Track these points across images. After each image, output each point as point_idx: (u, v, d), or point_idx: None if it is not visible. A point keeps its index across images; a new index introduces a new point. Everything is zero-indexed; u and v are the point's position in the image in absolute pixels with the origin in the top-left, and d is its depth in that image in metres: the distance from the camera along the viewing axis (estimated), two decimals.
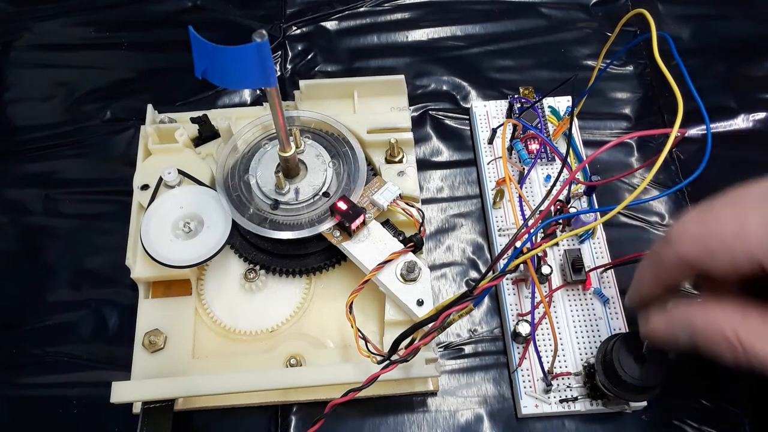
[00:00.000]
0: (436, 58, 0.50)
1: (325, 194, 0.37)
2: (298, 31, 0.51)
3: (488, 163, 0.43)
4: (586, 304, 0.38)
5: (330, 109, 0.42)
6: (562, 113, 0.44)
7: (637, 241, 0.41)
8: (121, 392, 0.33)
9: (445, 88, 0.48)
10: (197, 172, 0.39)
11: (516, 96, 0.44)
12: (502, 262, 0.31)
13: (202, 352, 0.37)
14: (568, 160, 0.37)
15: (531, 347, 0.36)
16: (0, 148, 0.46)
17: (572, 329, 0.37)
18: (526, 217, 0.34)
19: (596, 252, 0.40)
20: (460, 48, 0.50)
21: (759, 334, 0.25)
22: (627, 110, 0.47)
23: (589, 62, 0.49)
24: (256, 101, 0.48)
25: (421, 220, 0.37)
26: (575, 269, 0.38)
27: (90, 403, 0.37)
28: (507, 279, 0.39)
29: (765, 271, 0.25)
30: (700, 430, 0.36)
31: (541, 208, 0.30)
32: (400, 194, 0.38)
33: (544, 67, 0.49)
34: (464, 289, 0.39)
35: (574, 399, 0.35)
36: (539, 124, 0.43)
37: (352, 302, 0.33)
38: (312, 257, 0.38)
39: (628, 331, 0.37)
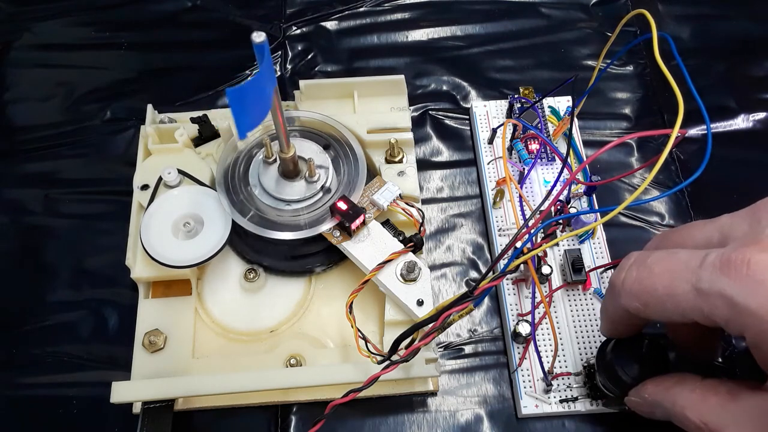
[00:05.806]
0: (436, 58, 0.49)
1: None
2: (298, 31, 0.51)
3: (488, 163, 0.43)
4: (586, 305, 0.38)
5: (330, 109, 0.41)
6: (562, 113, 0.44)
7: (637, 241, 0.41)
8: (121, 392, 0.33)
9: (445, 88, 0.48)
10: (197, 172, 0.39)
11: (516, 96, 0.44)
12: (502, 263, 0.31)
13: (202, 352, 0.37)
14: (569, 160, 0.37)
15: (531, 347, 0.36)
16: (0, 148, 0.46)
17: (572, 329, 0.37)
18: (527, 217, 0.34)
19: (596, 252, 0.40)
20: (460, 48, 0.50)
21: (723, 419, 0.25)
22: (627, 110, 0.47)
23: (589, 62, 0.49)
24: None
25: (421, 220, 0.37)
26: (575, 269, 0.38)
27: (90, 403, 0.37)
28: (507, 279, 0.39)
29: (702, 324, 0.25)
30: None
31: (542, 208, 0.30)
32: (400, 194, 0.37)
33: (544, 67, 0.49)
34: (464, 289, 0.39)
35: (574, 399, 0.35)
36: (539, 124, 0.43)
37: (352, 302, 0.33)
38: (312, 257, 0.38)
39: None
